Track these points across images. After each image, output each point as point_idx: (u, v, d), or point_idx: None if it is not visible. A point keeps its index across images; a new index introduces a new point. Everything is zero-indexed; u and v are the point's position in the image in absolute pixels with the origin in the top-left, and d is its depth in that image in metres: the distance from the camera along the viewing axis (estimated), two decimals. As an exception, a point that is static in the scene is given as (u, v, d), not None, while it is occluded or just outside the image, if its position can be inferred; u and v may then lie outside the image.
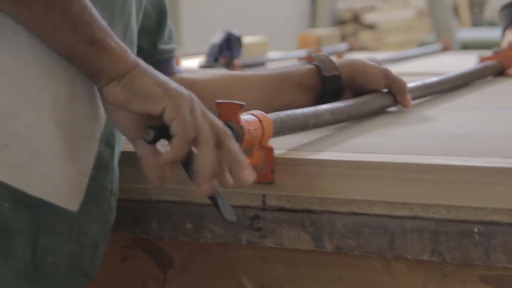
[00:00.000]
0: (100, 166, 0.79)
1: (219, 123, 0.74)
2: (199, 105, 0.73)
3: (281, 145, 0.85)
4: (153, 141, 0.72)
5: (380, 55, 1.93)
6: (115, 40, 0.73)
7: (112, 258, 0.93)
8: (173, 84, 0.73)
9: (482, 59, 1.52)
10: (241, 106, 0.75)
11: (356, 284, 0.83)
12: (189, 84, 0.98)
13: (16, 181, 0.72)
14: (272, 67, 1.93)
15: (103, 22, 0.72)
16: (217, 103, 0.75)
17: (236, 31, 1.90)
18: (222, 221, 0.77)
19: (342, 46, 2.64)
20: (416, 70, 1.82)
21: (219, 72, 1.09)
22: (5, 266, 0.72)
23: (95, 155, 0.77)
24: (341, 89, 1.05)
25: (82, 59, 0.72)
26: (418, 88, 1.18)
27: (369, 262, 0.82)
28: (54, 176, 0.74)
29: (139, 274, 0.92)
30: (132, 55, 0.74)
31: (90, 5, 0.72)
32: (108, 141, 0.80)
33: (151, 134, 0.72)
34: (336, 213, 0.82)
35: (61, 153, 0.74)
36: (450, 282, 0.79)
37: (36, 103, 0.73)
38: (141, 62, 0.74)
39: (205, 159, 0.71)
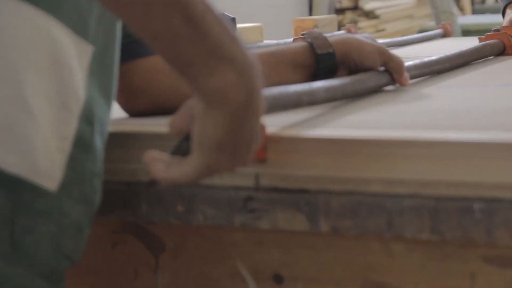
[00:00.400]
0: (80, 144, 0.76)
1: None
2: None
3: (274, 123, 0.83)
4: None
5: (379, 41, 1.91)
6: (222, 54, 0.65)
7: (102, 243, 0.91)
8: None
9: (482, 39, 1.49)
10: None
11: (353, 266, 0.81)
12: None
13: None
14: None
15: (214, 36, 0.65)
16: None
17: (228, 14, 1.86)
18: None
19: (340, 33, 2.61)
20: (416, 54, 1.79)
21: None
22: None
23: (74, 132, 0.75)
24: (335, 67, 1.02)
25: (179, 73, 0.67)
26: (416, 66, 1.15)
27: (367, 243, 0.80)
28: (31, 152, 0.71)
29: (130, 260, 0.90)
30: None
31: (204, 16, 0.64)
32: (87, 119, 0.77)
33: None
34: (331, 192, 0.79)
35: (38, 128, 0.72)
36: (451, 262, 0.77)
37: (12, 76, 0.71)
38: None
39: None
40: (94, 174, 0.78)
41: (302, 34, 1.04)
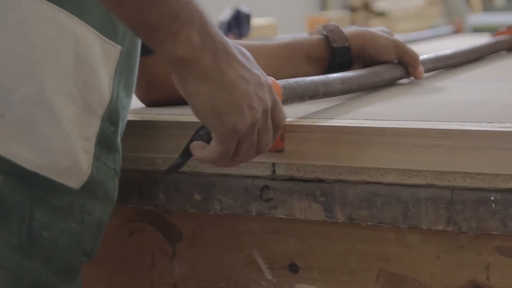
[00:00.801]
0: (103, 144, 0.77)
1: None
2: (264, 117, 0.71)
3: (290, 113, 0.83)
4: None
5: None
6: (185, 17, 0.66)
7: (120, 232, 0.92)
8: (235, 98, 0.69)
9: (494, 35, 1.49)
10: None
11: (369, 256, 0.81)
12: None
13: (11, 153, 0.71)
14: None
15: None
16: None
17: (244, 8, 1.87)
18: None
19: (352, 28, 2.61)
20: (428, 51, 1.79)
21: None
22: None
23: (97, 132, 0.76)
24: (351, 61, 1.02)
25: (145, 40, 0.68)
26: (430, 60, 1.15)
27: (382, 233, 0.80)
28: (52, 151, 0.72)
29: (148, 248, 0.91)
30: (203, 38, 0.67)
31: None
32: (111, 119, 0.78)
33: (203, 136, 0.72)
34: (348, 182, 0.80)
35: (60, 128, 0.72)
36: (466, 254, 0.77)
37: (33, 76, 0.71)
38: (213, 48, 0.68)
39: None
40: (116, 172, 0.79)
41: (318, 28, 1.04)
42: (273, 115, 0.73)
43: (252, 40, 1.87)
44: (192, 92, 0.68)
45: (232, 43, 0.71)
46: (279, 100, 0.75)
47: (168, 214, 0.89)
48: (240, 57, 0.70)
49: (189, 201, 0.86)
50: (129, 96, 0.81)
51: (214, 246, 0.88)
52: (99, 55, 0.75)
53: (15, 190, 0.71)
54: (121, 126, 0.80)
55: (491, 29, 2.20)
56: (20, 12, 0.71)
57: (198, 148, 0.72)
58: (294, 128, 0.81)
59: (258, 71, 0.72)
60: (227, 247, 0.87)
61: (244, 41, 1.06)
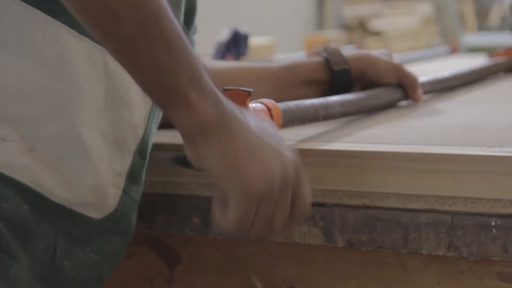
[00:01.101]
0: (132, 178, 0.77)
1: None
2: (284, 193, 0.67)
3: (290, 137, 0.83)
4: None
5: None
6: (201, 88, 0.65)
7: (118, 255, 0.91)
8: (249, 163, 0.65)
9: (491, 56, 1.50)
10: (249, 93, 0.72)
11: (368, 281, 0.81)
12: None
13: (40, 185, 0.71)
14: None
15: (190, 64, 0.65)
16: (225, 90, 0.73)
17: (243, 29, 1.88)
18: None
19: (349, 48, 2.62)
20: (425, 71, 1.79)
21: (228, 62, 1.06)
22: (23, 269, 0.70)
23: (128, 167, 0.75)
24: (351, 84, 1.02)
25: (158, 105, 0.67)
26: (429, 83, 1.15)
27: (382, 258, 0.80)
28: (81, 187, 0.72)
29: (146, 271, 0.90)
30: (218, 107, 0.66)
31: (179, 44, 0.64)
32: (142, 153, 0.78)
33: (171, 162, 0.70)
34: (347, 207, 0.79)
35: (90, 163, 0.72)
36: (467, 279, 0.77)
37: (65, 110, 0.71)
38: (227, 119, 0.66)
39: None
40: (138, 203, 0.79)
41: (317, 48, 1.04)
42: (297, 192, 0.69)
43: (252, 61, 1.88)
44: (205, 156, 0.66)
45: (251, 115, 0.69)
46: (306, 178, 0.70)
47: (167, 237, 0.89)
48: (255, 126, 0.68)
49: (188, 224, 0.86)
50: (156, 128, 0.81)
51: (213, 270, 0.87)
52: (137, 91, 0.74)
53: (41, 220, 0.71)
54: (148, 158, 0.80)
55: (486, 49, 2.20)
56: (58, 48, 0.71)
57: (218, 213, 0.68)
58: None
59: (276, 140, 0.69)
60: (226, 271, 0.87)
61: (246, 64, 1.06)
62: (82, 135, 0.71)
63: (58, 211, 0.72)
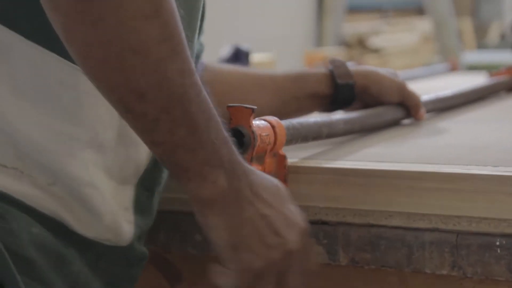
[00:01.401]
0: (139, 209, 0.77)
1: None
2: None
3: (293, 154, 0.82)
4: None
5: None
6: (218, 162, 0.65)
7: (118, 272, 0.90)
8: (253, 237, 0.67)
9: (492, 74, 1.50)
10: (252, 110, 0.72)
11: (371, 300, 0.80)
12: (212, 74, 0.96)
13: (61, 218, 0.71)
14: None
15: (212, 145, 0.65)
16: (228, 107, 0.73)
17: (244, 45, 1.88)
18: None
19: (349, 64, 2.62)
20: (426, 89, 1.79)
21: (235, 68, 1.05)
22: None
23: (133, 200, 0.76)
24: (353, 99, 1.02)
25: (171, 172, 0.68)
26: (431, 101, 1.15)
27: (386, 277, 0.79)
28: (99, 227, 0.73)
29: (147, 289, 0.90)
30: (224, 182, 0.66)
31: (205, 124, 0.65)
32: (145, 185, 0.77)
33: None
34: (351, 225, 0.79)
35: (104, 202, 0.72)
36: (470, 299, 0.76)
37: (78, 155, 0.71)
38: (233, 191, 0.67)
39: None
40: (149, 228, 0.80)
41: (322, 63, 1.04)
42: (302, 261, 0.70)
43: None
44: (211, 226, 0.68)
45: (263, 177, 0.69)
46: (311, 243, 0.72)
47: (168, 254, 0.88)
48: (266, 195, 0.68)
49: (190, 241, 0.85)
50: None
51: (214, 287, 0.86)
52: None
53: (67, 244, 0.72)
54: (159, 188, 0.80)
55: (485, 67, 2.21)
56: (75, 93, 0.70)
57: (218, 275, 0.69)
58: (298, 170, 0.80)
59: (289, 209, 0.70)
60: (227, 288, 0.86)
61: (252, 71, 1.05)
62: (93, 176, 0.71)
63: (80, 240, 0.73)
